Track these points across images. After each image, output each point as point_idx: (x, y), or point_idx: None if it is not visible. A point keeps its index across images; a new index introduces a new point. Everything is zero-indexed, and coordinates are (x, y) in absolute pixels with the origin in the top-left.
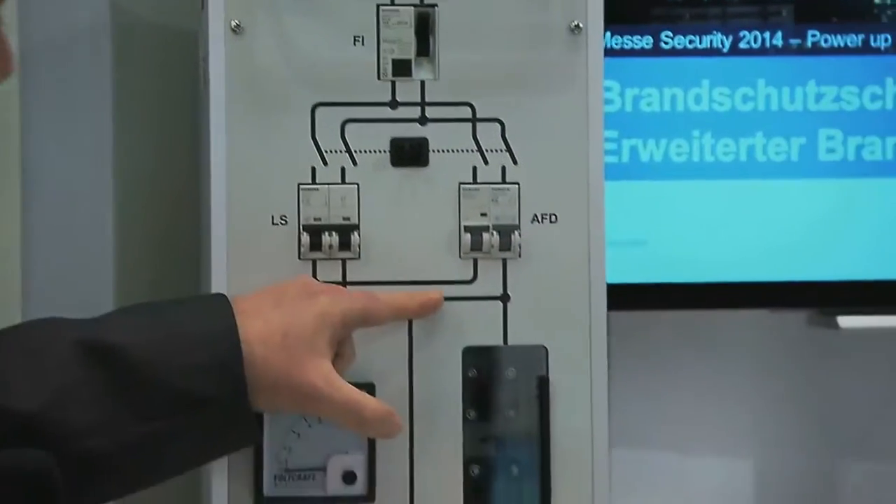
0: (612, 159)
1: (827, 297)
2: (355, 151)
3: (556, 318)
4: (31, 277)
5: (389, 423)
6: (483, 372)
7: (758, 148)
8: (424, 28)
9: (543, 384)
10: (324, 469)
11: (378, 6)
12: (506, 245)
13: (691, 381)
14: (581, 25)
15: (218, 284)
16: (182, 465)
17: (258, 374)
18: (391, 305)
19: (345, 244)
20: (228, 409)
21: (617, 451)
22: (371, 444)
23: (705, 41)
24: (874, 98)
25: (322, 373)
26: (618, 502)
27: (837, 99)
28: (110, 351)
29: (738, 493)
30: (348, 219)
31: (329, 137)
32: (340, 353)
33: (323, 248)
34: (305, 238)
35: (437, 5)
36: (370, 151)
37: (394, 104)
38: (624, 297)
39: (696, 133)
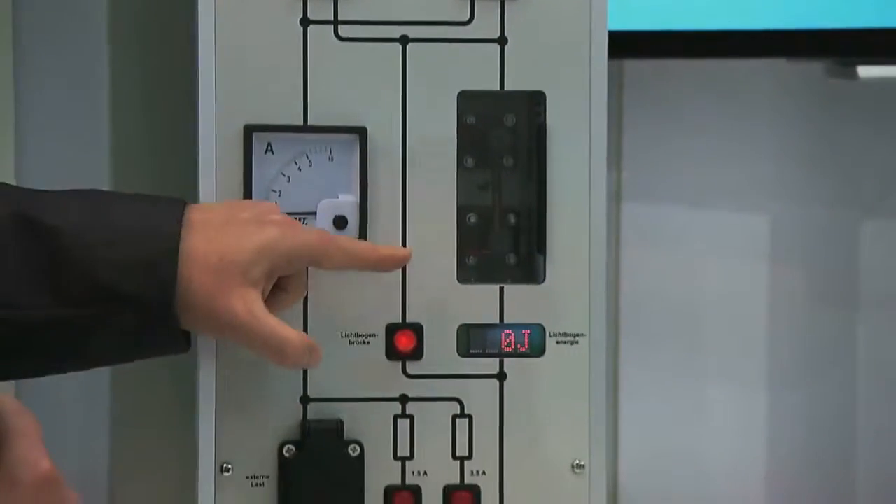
0: None
1: (846, 46)
2: None
3: (555, 63)
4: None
5: (311, 356)
6: (480, 118)
7: None
8: None
9: (541, 131)
10: (314, 213)
11: None
12: None
13: (708, 132)
14: None
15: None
16: (99, 359)
17: (182, 291)
18: (348, 252)
19: None
20: (150, 312)
21: (628, 203)
22: (363, 190)
23: None
24: None
25: (246, 302)
26: (627, 255)
27: None
28: (44, 229)
29: (754, 246)
30: None
31: None
32: (285, 288)
33: None
34: None
35: None
36: None
37: None
38: (638, 44)
39: None
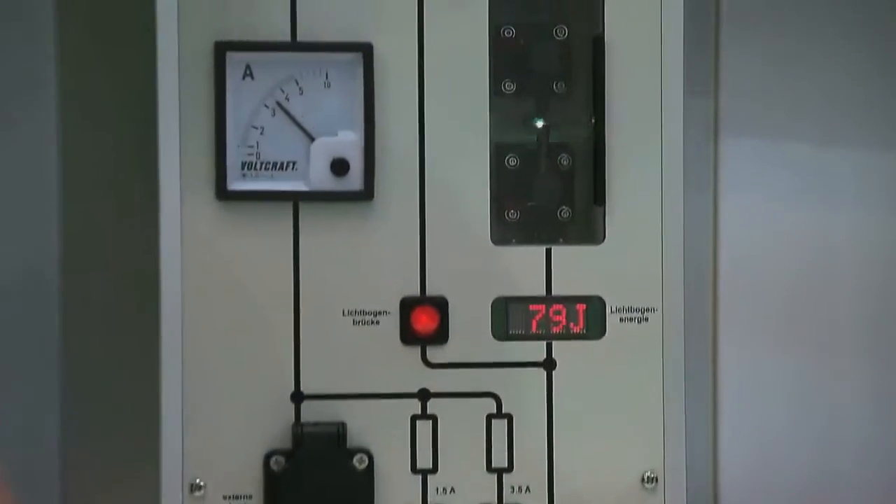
0: None
1: None
2: None
3: None
4: None
5: None
6: (521, 29)
7: None
8: None
9: (599, 46)
10: (306, 156)
11: None
12: None
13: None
14: None
15: None
16: None
17: None
18: None
19: None
20: None
21: (729, 139)
22: (369, 125)
23: None
24: None
25: None
26: (728, 205)
27: None
28: None
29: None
30: None
31: None
32: None
33: None
34: None
35: None
36: None
37: None
38: None
39: None
